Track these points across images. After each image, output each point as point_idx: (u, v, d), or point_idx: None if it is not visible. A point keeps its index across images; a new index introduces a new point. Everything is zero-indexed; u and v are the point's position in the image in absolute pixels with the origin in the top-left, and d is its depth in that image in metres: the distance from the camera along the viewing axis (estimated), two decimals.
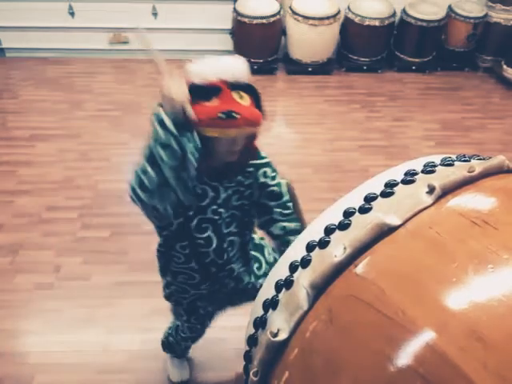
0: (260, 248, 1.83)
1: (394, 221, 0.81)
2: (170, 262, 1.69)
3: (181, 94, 1.30)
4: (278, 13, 4.46)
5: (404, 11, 4.64)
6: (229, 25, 4.66)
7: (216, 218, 1.54)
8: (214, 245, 1.57)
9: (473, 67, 4.93)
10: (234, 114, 1.32)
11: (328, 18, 4.41)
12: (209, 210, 1.52)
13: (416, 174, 0.90)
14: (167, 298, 1.90)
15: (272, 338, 0.85)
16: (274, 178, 1.63)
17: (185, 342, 2.07)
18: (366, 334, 0.74)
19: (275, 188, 1.63)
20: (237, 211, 1.59)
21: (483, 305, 0.69)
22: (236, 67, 1.43)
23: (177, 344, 2.13)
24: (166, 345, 2.21)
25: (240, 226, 1.63)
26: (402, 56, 4.81)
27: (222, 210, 1.54)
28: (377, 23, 4.51)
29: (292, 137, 4.04)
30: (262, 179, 1.60)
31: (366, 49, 4.70)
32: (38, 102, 4.17)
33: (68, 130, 3.87)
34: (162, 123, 1.30)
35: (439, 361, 0.67)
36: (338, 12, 4.50)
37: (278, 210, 1.63)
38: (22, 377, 2.28)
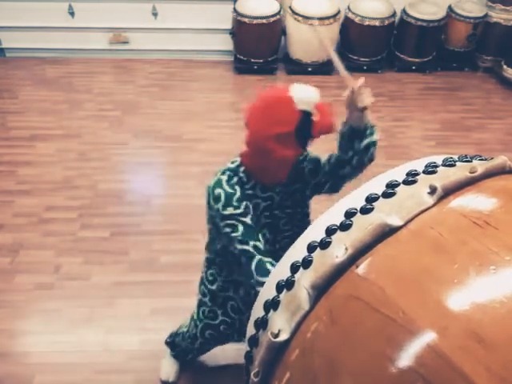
0: None
1: (396, 221, 0.81)
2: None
3: (367, 100, 1.52)
4: (278, 13, 4.45)
5: (404, 11, 4.64)
6: (229, 25, 4.66)
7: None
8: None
9: (473, 67, 4.93)
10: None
11: (328, 18, 4.41)
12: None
13: (417, 174, 0.90)
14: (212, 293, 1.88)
15: (273, 339, 0.85)
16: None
17: (198, 346, 2.06)
18: (366, 334, 0.74)
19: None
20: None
21: (484, 306, 0.69)
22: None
23: (184, 348, 2.15)
24: (174, 344, 2.23)
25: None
26: (402, 56, 4.81)
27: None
28: (377, 23, 4.51)
29: None
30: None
31: (365, 49, 4.70)
32: (38, 102, 4.17)
33: (68, 129, 3.87)
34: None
35: (440, 362, 0.67)
36: (338, 12, 4.50)
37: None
38: (22, 376, 2.28)
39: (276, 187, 1.63)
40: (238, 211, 1.51)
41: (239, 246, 1.49)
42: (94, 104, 4.19)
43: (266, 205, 1.63)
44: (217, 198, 1.52)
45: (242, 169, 1.58)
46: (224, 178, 1.55)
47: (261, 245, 1.49)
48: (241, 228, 1.49)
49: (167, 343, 2.26)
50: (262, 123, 1.48)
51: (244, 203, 1.53)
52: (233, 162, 1.61)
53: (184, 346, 2.13)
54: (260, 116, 1.50)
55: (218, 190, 1.53)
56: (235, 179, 1.56)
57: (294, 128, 1.46)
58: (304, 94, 1.50)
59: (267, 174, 1.60)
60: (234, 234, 1.50)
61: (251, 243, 1.47)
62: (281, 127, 1.46)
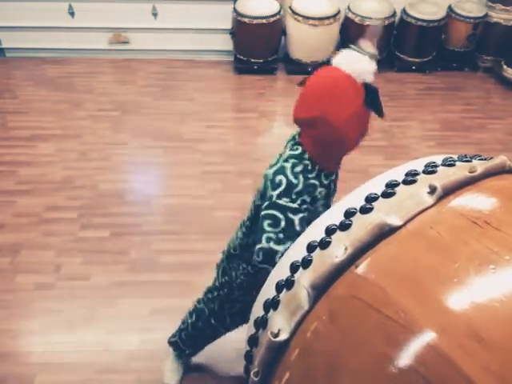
0: None
1: (395, 221, 0.81)
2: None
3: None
4: (278, 13, 4.45)
5: (404, 11, 4.64)
6: (229, 25, 4.66)
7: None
8: None
9: (473, 67, 4.93)
10: None
11: (328, 18, 4.41)
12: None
13: (417, 174, 0.90)
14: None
15: (273, 339, 0.85)
16: None
17: (210, 327, 2.01)
18: (366, 334, 0.74)
19: None
20: None
21: (484, 305, 0.69)
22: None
23: (193, 337, 2.08)
24: (178, 341, 2.15)
25: None
26: (401, 56, 4.81)
27: None
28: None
29: None
30: None
31: None
32: (38, 102, 4.17)
33: (68, 129, 3.87)
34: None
35: (440, 361, 0.67)
36: (338, 12, 4.50)
37: None
38: (23, 376, 2.28)
39: (333, 174, 1.57)
40: (293, 205, 1.41)
41: (264, 244, 1.38)
42: (94, 104, 4.19)
43: (326, 193, 1.54)
44: (277, 185, 1.43)
45: (306, 156, 1.47)
46: (288, 165, 1.45)
47: None
48: (283, 224, 1.39)
49: (171, 343, 2.20)
50: (333, 108, 1.39)
51: (300, 199, 1.43)
52: (292, 149, 1.50)
53: (194, 335, 2.06)
54: (328, 102, 1.39)
55: (279, 177, 1.44)
56: (300, 167, 1.46)
57: (363, 101, 1.41)
58: (365, 67, 1.46)
59: (333, 159, 1.53)
60: (269, 229, 1.39)
61: (286, 246, 1.33)
62: (352, 105, 1.39)
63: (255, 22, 4.38)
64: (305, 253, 0.88)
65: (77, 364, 2.33)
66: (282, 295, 0.89)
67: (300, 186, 1.43)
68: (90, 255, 2.86)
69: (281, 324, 0.86)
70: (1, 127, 3.87)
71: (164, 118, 4.04)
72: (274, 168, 1.47)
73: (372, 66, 1.47)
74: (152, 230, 3.04)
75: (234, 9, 4.47)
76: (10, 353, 2.38)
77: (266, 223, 1.41)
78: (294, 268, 0.88)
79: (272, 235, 1.39)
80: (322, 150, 1.47)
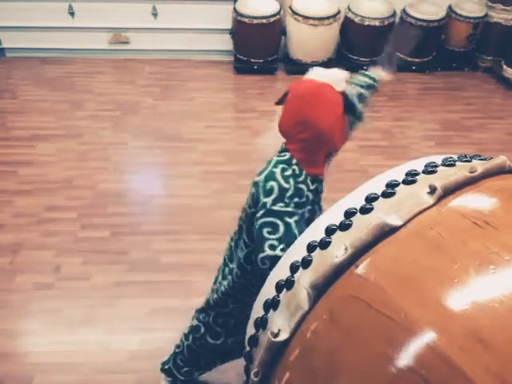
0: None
1: (395, 221, 0.81)
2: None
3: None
4: (278, 13, 4.45)
5: (404, 11, 4.64)
6: (229, 25, 4.66)
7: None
8: None
9: (473, 67, 4.93)
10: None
11: (328, 18, 4.41)
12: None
13: (417, 174, 0.90)
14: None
15: (273, 339, 0.85)
16: None
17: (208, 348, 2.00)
18: (366, 334, 0.74)
19: None
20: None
21: (484, 306, 0.69)
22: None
23: (189, 361, 2.06)
24: (172, 368, 2.12)
25: None
26: (402, 56, 4.81)
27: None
28: (377, 23, 4.51)
29: None
30: None
31: (366, 49, 4.69)
32: (38, 102, 4.17)
33: (68, 129, 3.87)
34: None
35: (440, 362, 0.67)
36: (338, 12, 4.50)
37: None
38: (22, 376, 2.28)
39: (320, 180, 1.61)
40: (288, 209, 1.44)
41: (269, 252, 1.39)
42: (94, 104, 4.19)
43: (312, 198, 1.57)
44: (269, 191, 1.45)
45: (294, 161, 1.51)
46: (277, 170, 1.48)
47: None
48: (282, 229, 1.41)
49: (164, 371, 2.16)
50: (317, 113, 1.45)
51: (293, 202, 1.46)
52: (280, 156, 1.54)
53: (190, 359, 2.05)
54: (312, 108, 1.46)
55: (271, 183, 1.46)
56: (289, 171, 1.49)
57: (341, 110, 1.49)
58: (336, 76, 1.53)
59: (320, 164, 1.57)
60: (270, 236, 1.41)
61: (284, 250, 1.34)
62: (334, 112, 1.47)
63: (255, 21, 4.38)
64: (305, 253, 0.88)
65: (77, 364, 2.33)
66: (281, 295, 0.89)
67: (291, 190, 1.47)
68: (90, 255, 2.86)
69: (281, 324, 0.86)
70: (1, 127, 3.87)
71: (164, 118, 4.04)
72: (264, 174, 1.50)
73: (343, 73, 1.56)
74: (152, 230, 3.04)
75: (234, 9, 4.47)
76: (10, 353, 2.38)
77: (265, 231, 1.43)
78: (293, 268, 0.88)
79: (275, 242, 1.40)
80: (308, 155, 1.52)
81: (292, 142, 1.53)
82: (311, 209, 1.58)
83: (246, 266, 1.68)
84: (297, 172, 1.51)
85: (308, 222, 1.61)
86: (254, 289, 1.53)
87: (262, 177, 1.49)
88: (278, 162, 1.51)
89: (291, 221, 1.43)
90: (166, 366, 2.15)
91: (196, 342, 1.98)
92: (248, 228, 1.61)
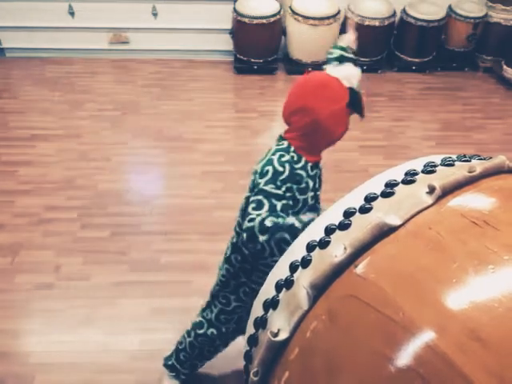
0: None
1: (395, 221, 0.81)
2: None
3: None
4: (278, 13, 4.46)
5: (404, 11, 4.64)
6: (229, 25, 4.66)
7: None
8: None
9: (473, 67, 4.93)
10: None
11: (328, 17, 4.42)
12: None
13: (416, 174, 0.90)
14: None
15: (272, 338, 0.85)
16: None
17: (210, 342, 2.02)
18: (365, 334, 0.74)
19: None
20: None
21: (483, 305, 0.69)
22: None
23: (191, 356, 2.08)
24: (175, 364, 2.15)
25: None
26: (401, 56, 4.81)
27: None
28: (377, 23, 4.51)
29: None
30: None
31: (365, 49, 4.69)
32: (38, 102, 4.17)
33: (68, 129, 3.87)
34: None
35: (439, 361, 0.67)
36: (338, 12, 4.50)
37: None
38: (22, 376, 2.28)
39: (318, 166, 1.67)
40: (278, 191, 1.49)
41: (247, 224, 1.44)
42: (94, 104, 4.19)
43: (313, 184, 1.63)
44: (264, 174, 1.52)
45: (292, 149, 1.58)
46: (275, 157, 1.56)
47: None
48: (266, 208, 1.46)
49: (167, 366, 2.18)
50: (317, 102, 1.52)
51: (285, 187, 1.52)
52: (278, 145, 1.61)
53: (192, 354, 2.07)
54: (314, 95, 1.53)
55: (267, 167, 1.53)
56: (287, 157, 1.56)
57: (346, 104, 1.54)
58: (348, 72, 1.62)
59: (316, 151, 1.62)
60: (253, 212, 1.45)
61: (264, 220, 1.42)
62: (336, 104, 1.52)
63: (255, 21, 4.39)
64: (304, 252, 0.88)
65: (77, 364, 2.33)
66: (281, 295, 0.89)
67: (286, 174, 1.53)
68: (90, 255, 2.86)
69: (280, 323, 0.86)
70: (1, 127, 3.87)
71: (164, 118, 4.05)
72: (263, 162, 1.57)
73: (358, 71, 1.66)
74: (152, 230, 3.04)
75: (234, 9, 4.47)
76: (10, 353, 2.38)
77: (250, 207, 1.49)
78: (293, 267, 0.88)
79: (254, 216, 1.45)
80: (306, 143, 1.58)
81: (290, 130, 1.61)
82: (314, 195, 1.65)
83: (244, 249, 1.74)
84: (295, 158, 1.57)
85: (312, 208, 1.66)
86: (253, 267, 1.67)
87: (260, 164, 1.57)
88: (277, 150, 1.58)
89: (278, 203, 1.48)
90: (170, 362, 2.16)
91: (198, 338, 2.01)
92: (244, 211, 1.66)
